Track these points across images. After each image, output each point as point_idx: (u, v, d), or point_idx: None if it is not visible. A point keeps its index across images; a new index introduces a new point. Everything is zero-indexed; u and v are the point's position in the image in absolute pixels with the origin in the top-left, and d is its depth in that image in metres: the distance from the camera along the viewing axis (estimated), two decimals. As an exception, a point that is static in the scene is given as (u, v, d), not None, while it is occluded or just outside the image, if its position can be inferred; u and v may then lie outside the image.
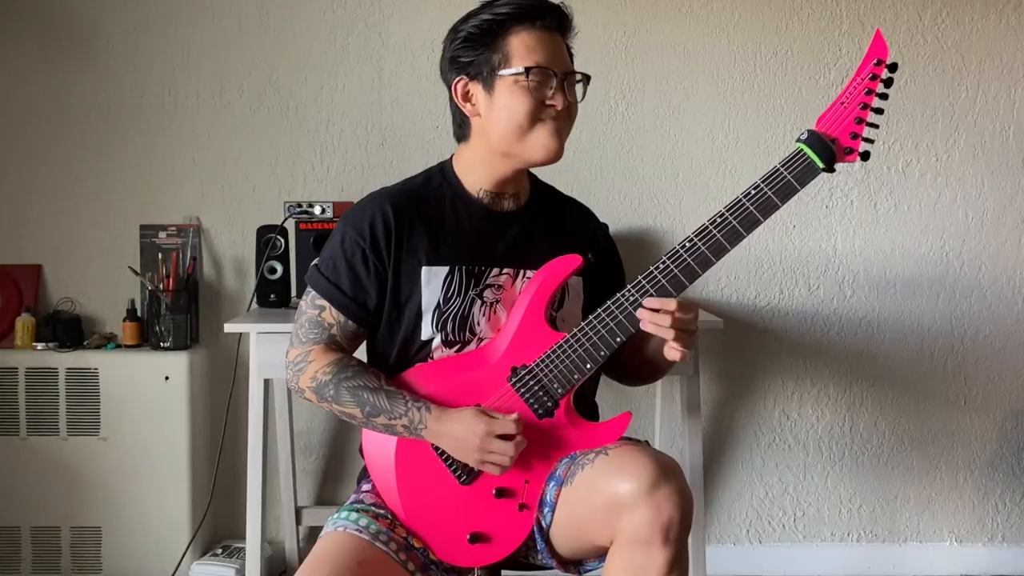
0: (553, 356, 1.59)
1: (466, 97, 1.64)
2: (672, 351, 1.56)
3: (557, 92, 1.60)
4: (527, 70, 1.58)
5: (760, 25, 2.78)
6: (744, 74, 2.79)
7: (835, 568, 2.85)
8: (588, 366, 1.58)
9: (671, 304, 1.52)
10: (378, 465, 1.67)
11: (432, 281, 1.64)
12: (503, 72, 1.59)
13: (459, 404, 1.60)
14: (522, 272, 1.68)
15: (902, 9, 2.78)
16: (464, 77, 1.63)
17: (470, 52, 1.61)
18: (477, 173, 1.68)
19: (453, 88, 1.64)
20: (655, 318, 1.52)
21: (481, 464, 1.55)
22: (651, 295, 1.56)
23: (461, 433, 1.55)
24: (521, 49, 1.59)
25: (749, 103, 2.79)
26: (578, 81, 1.64)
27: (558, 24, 1.63)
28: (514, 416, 1.55)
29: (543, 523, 1.58)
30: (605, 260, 1.79)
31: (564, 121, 1.63)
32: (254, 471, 2.34)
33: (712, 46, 2.78)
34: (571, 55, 1.67)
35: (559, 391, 1.59)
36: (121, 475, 2.61)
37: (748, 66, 2.79)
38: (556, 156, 1.63)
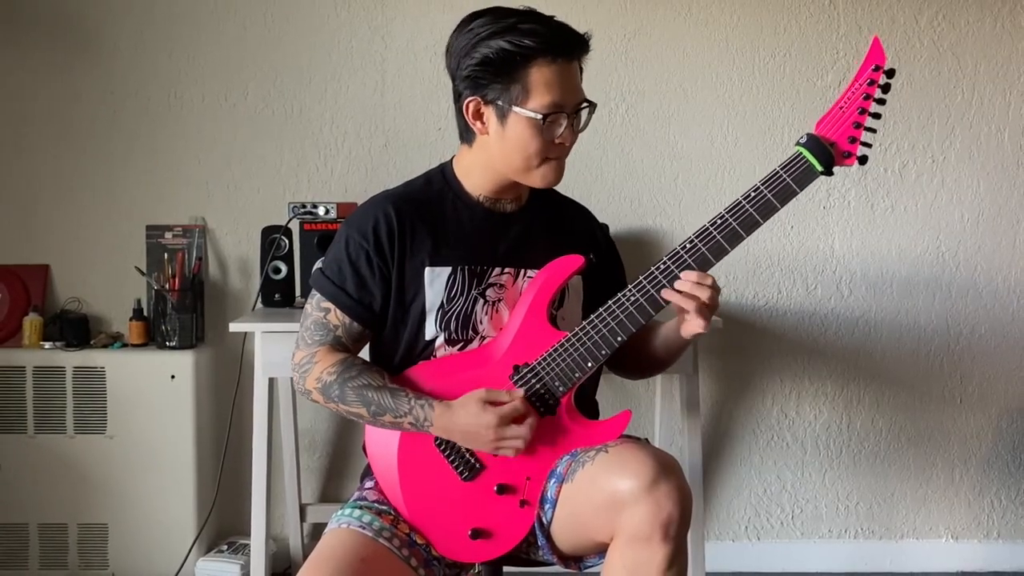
0: (555, 354, 1.61)
1: (477, 116, 1.64)
2: (694, 324, 1.58)
3: (567, 129, 1.62)
4: (544, 117, 1.59)
5: (759, 28, 2.80)
6: (743, 76, 2.81)
7: (832, 564, 2.87)
8: (590, 364, 1.61)
9: (708, 279, 1.56)
10: (381, 462, 1.69)
11: (435, 281, 1.66)
12: (519, 109, 1.59)
13: (461, 401, 1.62)
14: (523, 271, 1.70)
15: (898, 12, 2.80)
16: (478, 98, 1.62)
17: (487, 76, 1.60)
18: (477, 178, 1.71)
19: (465, 105, 1.63)
20: (694, 289, 1.55)
21: (496, 451, 1.58)
22: (652, 295, 1.58)
23: (471, 426, 1.57)
24: (540, 84, 1.58)
25: (748, 105, 2.81)
26: (584, 108, 1.65)
27: (577, 51, 1.62)
28: (519, 394, 1.58)
29: (544, 519, 1.60)
30: (605, 260, 1.82)
31: (567, 153, 1.66)
32: (259, 468, 2.35)
33: (711, 48, 2.80)
34: (581, 69, 1.66)
35: (561, 389, 1.61)
36: (127, 473, 2.64)
37: (747, 68, 2.81)
38: (555, 185, 1.68)
